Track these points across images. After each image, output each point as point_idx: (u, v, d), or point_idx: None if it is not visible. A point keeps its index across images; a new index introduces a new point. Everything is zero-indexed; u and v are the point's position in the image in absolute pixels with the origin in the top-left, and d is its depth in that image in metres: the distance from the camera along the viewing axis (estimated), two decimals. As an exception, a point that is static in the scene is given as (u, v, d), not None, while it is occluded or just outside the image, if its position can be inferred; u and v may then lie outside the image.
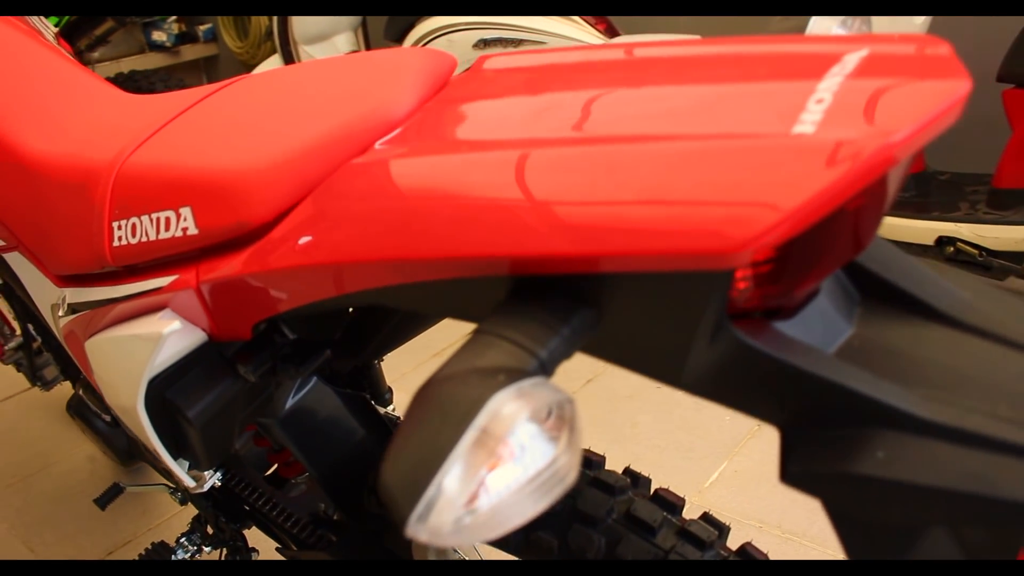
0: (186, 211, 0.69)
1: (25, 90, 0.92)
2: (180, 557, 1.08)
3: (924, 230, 2.05)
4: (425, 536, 0.43)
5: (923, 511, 0.47)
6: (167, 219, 0.70)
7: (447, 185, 0.53)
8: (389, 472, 0.44)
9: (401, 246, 0.54)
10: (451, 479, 0.42)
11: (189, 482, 0.85)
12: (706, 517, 0.76)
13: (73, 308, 0.84)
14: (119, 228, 0.74)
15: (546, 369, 0.47)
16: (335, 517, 0.98)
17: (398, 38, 2.85)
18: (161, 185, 0.71)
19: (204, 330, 0.74)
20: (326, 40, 3.22)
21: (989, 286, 0.57)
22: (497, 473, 0.43)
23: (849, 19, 0.69)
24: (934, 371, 0.51)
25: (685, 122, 0.49)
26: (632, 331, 0.52)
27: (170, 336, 0.72)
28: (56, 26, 2.85)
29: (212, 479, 0.87)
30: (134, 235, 0.73)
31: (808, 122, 0.43)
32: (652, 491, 0.77)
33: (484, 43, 2.61)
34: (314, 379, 0.85)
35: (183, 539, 1.09)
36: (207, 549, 1.10)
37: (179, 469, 0.83)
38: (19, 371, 1.58)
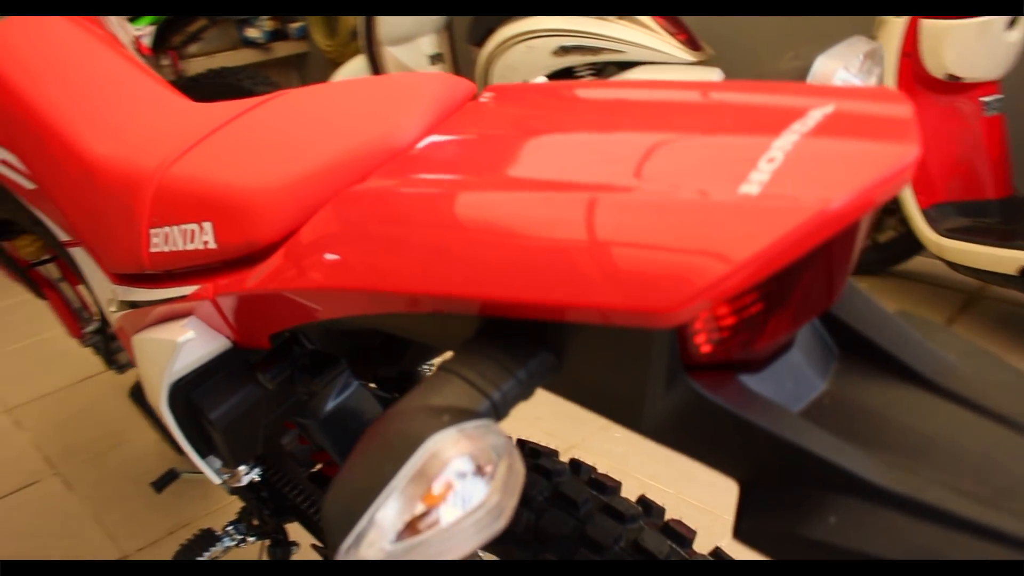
0: (208, 226, 0.72)
1: (91, 93, 0.97)
2: (225, 545, 1.12)
3: (1007, 259, 1.97)
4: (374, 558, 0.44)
5: None
6: (192, 232, 0.74)
7: (419, 221, 0.55)
8: (328, 500, 0.46)
9: (376, 278, 0.55)
10: (384, 513, 0.44)
11: (215, 479, 0.88)
12: (716, 552, 0.76)
13: (123, 305, 0.88)
14: (155, 235, 0.78)
15: (498, 410, 0.49)
16: None
17: (479, 42, 2.88)
18: (190, 198, 0.74)
19: (228, 337, 0.78)
20: (410, 42, 3.27)
21: (978, 350, 0.55)
22: (430, 509, 0.45)
23: (855, 62, 0.67)
24: (903, 436, 0.50)
25: (643, 173, 0.49)
26: (590, 376, 0.53)
27: (185, 344, 0.75)
28: (151, 24, 2.97)
29: (250, 475, 0.90)
30: (166, 243, 0.77)
31: (755, 182, 0.44)
32: (664, 522, 0.77)
33: (564, 50, 2.62)
34: (355, 383, 0.87)
35: (230, 527, 1.13)
36: (251, 539, 1.14)
37: (205, 466, 0.87)
38: (97, 354, 1.66)
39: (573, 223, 0.47)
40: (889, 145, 0.43)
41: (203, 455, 0.87)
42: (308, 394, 0.83)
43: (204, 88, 3.20)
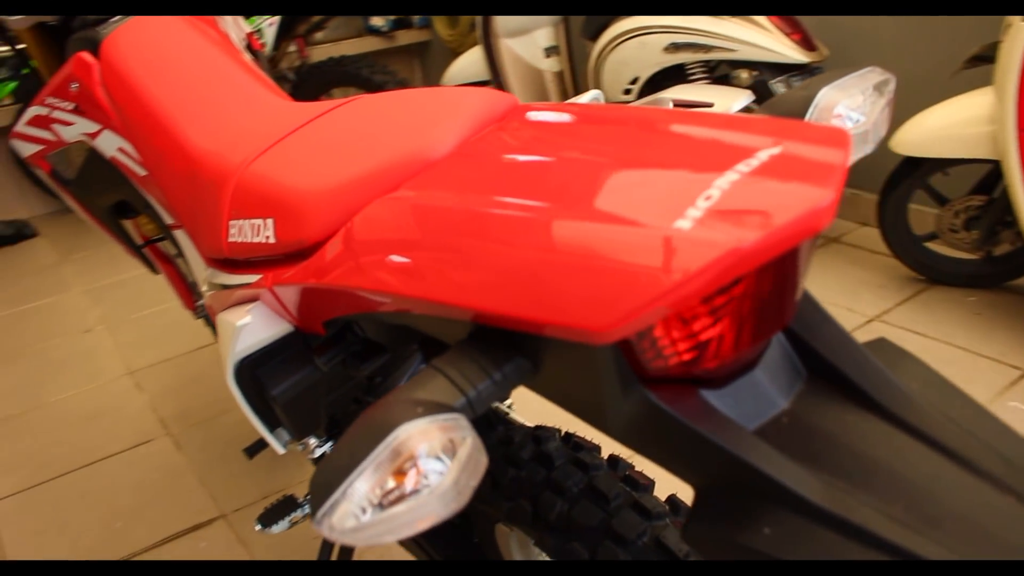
0: (270, 222, 0.79)
1: (197, 91, 1.05)
2: (305, 512, 1.18)
3: None
4: (327, 531, 0.51)
5: None
6: (258, 226, 0.81)
7: (415, 234, 0.61)
8: (315, 474, 0.53)
9: (380, 281, 0.61)
10: (355, 487, 0.51)
11: (280, 449, 0.95)
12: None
13: (212, 285, 0.96)
14: (233, 226, 0.85)
15: (472, 406, 0.56)
16: None
17: (593, 36, 2.89)
18: (259, 196, 0.81)
19: (290, 322, 0.84)
20: (526, 34, 3.30)
21: (942, 382, 0.57)
22: (397, 488, 0.51)
23: (857, 98, 0.68)
24: (849, 459, 0.53)
25: (597, 204, 0.54)
26: (561, 381, 0.59)
27: (244, 327, 0.83)
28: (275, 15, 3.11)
29: (323, 448, 0.97)
30: (240, 234, 0.84)
31: (689, 217, 0.48)
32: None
33: (675, 47, 2.60)
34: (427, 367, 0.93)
35: (308, 497, 1.20)
36: None
37: (272, 438, 0.94)
38: (207, 326, 1.77)
39: (530, 246, 0.53)
40: (808, 190, 0.47)
41: (270, 428, 0.93)
42: (369, 377, 0.88)
43: (325, 75, 3.33)
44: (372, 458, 0.50)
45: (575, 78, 3.36)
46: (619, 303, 0.46)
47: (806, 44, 2.42)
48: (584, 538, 0.76)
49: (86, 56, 1.15)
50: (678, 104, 0.90)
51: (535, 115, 0.72)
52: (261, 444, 1.44)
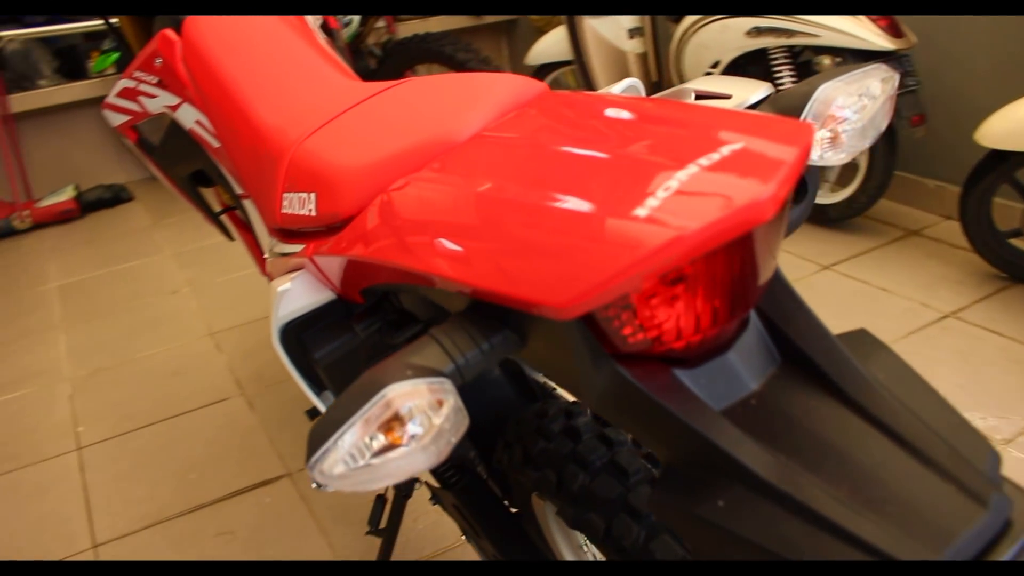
0: (313, 195, 0.84)
1: (268, 68, 1.10)
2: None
3: None
4: (317, 476, 0.58)
5: (741, 555, 0.54)
6: (304, 199, 0.86)
7: (425, 212, 0.66)
8: (312, 427, 0.58)
9: (393, 253, 0.67)
10: (344, 439, 0.57)
11: (324, 410, 1.00)
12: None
13: (272, 253, 1.02)
14: (285, 198, 0.90)
15: (461, 372, 0.62)
16: (477, 469, 1.09)
17: (677, 18, 2.87)
18: (308, 170, 0.86)
19: (332, 291, 0.90)
20: (611, 15, 3.29)
21: (910, 375, 0.60)
22: (383, 441, 0.58)
23: (853, 98, 0.71)
24: (806, 442, 0.56)
25: (572, 190, 0.59)
26: (542, 353, 0.64)
27: (284, 294, 0.89)
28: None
29: None
30: (290, 206, 0.90)
31: (648, 206, 0.53)
32: None
33: (757, 31, 2.56)
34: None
35: None
36: None
37: (319, 401, 0.99)
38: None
39: (510, 228, 0.58)
40: (752, 185, 0.50)
41: (317, 391, 0.99)
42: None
43: (409, 52, 3.39)
44: (361, 413, 0.57)
45: (659, 60, 3.34)
46: (577, 282, 0.52)
47: (893, 31, 2.36)
48: (601, 510, 0.80)
49: (170, 33, 1.23)
50: (699, 95, 0.92)
51: (551, 104, 0.75)
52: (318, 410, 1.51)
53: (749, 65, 2.68)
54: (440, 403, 0.58)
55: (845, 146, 0.71)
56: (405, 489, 1.29)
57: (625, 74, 3.23)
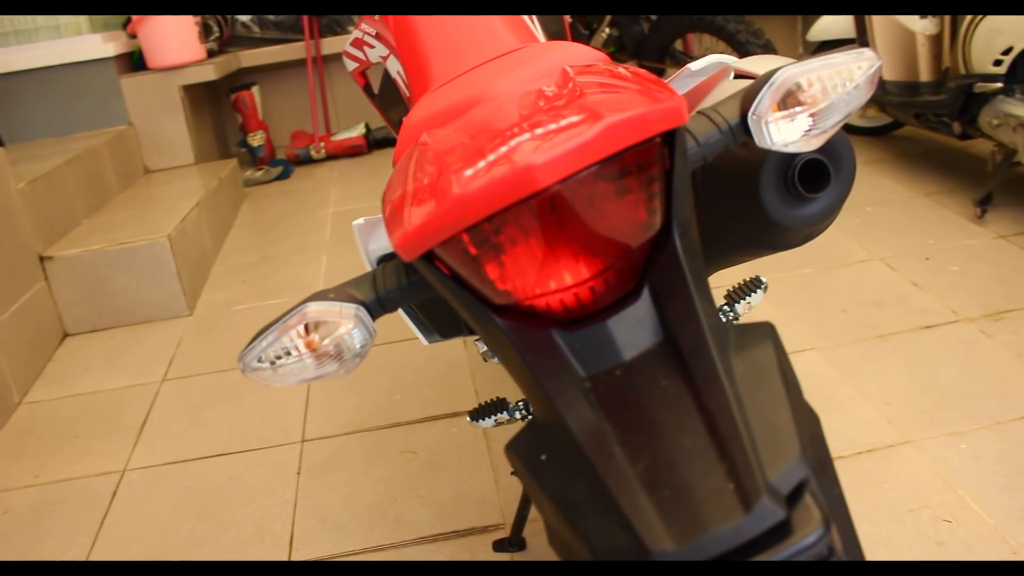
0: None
1: (454, 26, 1.13)
2: (510, 416, 1.27)
3: None
4: (242, 367, 0.73)
5: (545, 509, 0.60)
6: None
7: (402, 170, 0.73)
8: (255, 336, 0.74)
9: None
10: (263, 342, 0.72)
11: (424, 342, 1.08)
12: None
13: None
14: None
15: (383, 303, 0.74)
16: None
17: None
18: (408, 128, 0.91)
19: None
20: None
21: (766, 376, 0.61)
22: (300, 345, 0.72)
23: (814, 84, 0.72)
24: (637, 418, 0.59)
25: (466, 146, 0.65)
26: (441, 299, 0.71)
27: (357, 228, 0.94)
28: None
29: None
30: None
31: (462, 168, 0.61)
32: None
33: None
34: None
35: (520, 402, 1.30)
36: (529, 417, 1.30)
37: (420, 333, 1.07)
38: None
39: (416, 179, 0.67)
40: (537, 153, 0.57)
41: (420, 328, 1.05)
42: None
43: (682, 19, 3.36)
44: (281, 321, 0.71)
45: (953, 43, 3.02)
46: (407, 231, 0.62)
47: None
48: None
49: None
50: (738, 74, 0.87)
51: (570, 71, 0.73)
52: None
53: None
54: (345, 322, 0.70)
55: (815, 131, 0.71)
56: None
57: (911, 57, 2.93)
